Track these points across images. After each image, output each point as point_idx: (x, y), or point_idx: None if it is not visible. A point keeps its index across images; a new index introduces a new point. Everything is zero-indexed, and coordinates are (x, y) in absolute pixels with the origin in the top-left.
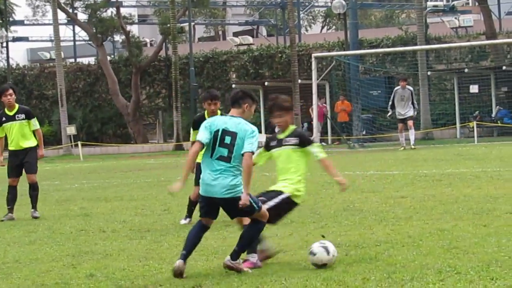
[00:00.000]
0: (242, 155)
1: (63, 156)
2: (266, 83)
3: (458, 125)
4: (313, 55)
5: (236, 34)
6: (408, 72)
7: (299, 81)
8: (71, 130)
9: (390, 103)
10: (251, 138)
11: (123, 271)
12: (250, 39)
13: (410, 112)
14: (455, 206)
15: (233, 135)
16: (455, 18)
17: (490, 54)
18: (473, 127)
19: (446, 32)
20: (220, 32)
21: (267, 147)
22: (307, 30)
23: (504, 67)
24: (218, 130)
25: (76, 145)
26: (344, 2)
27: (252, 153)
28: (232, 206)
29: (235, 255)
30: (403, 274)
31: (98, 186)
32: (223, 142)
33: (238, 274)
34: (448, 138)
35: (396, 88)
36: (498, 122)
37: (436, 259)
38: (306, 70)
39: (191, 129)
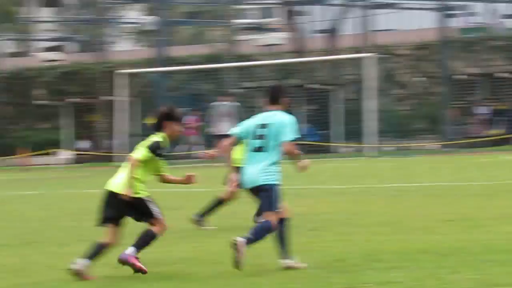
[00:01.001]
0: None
1: None
2: (73, 100)
3: None
4: (120, 71)
5: (44, 50)
6: (217, 90)
7: (107, 97)
8: None
9: (209, 119)
10: None
11: None
12: (58, 55)
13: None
14: None
15: None
16: (264, 36)
17: (298, 72)
18: None
19: (254, 50)
20: (28, 48)
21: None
22: (116, 47)
23: (311, 85)
24: None
25: None
26: (153, 19)
27: None
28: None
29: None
30: None
31: None
32: None
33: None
34: None
35: (215, 104)
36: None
37: (238, 278)
38: (114, 87)
39: None
